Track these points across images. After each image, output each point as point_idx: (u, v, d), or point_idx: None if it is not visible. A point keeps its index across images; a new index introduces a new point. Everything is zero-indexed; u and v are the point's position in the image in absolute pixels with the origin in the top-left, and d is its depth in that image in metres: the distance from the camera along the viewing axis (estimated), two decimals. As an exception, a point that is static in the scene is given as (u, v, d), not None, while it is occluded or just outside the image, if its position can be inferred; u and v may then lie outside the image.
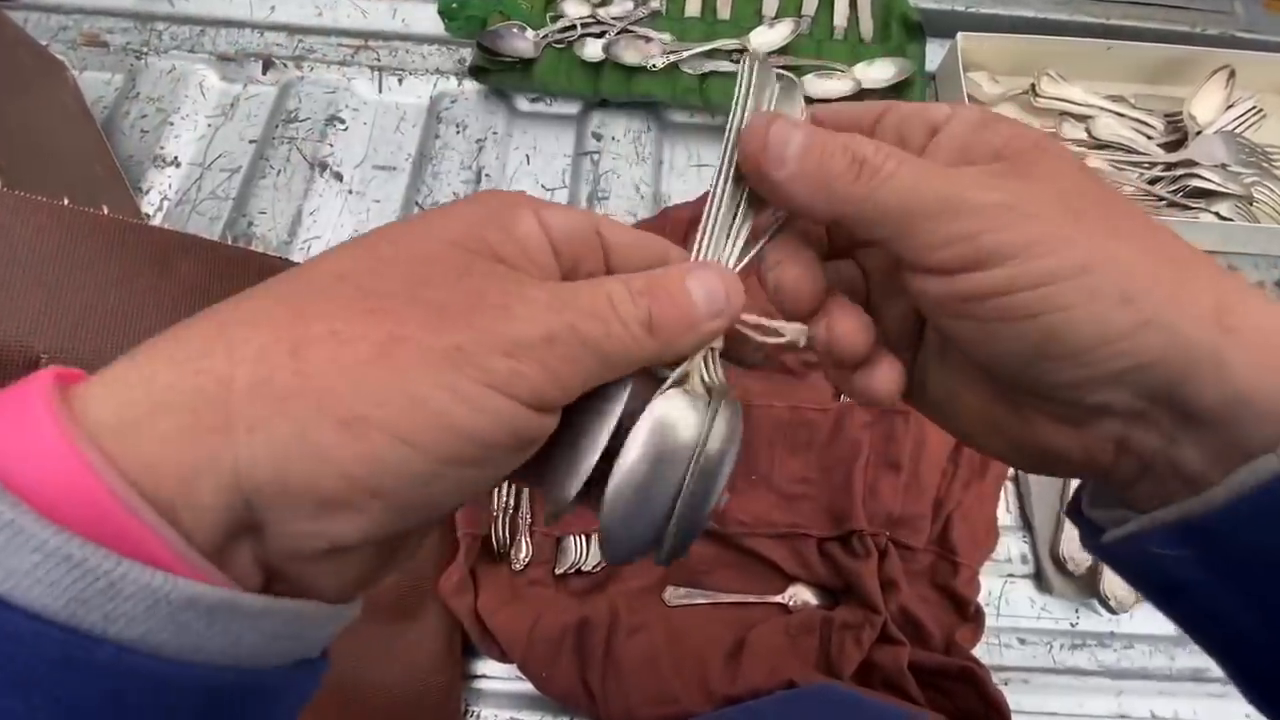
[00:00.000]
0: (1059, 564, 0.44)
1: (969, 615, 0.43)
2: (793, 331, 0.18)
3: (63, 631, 0.10)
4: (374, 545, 0.15)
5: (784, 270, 0.19)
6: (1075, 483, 0.47)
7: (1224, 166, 0.54)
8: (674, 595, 0.43)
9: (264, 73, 0.58)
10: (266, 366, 0.12)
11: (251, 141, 0.56)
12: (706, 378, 0.17)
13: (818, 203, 0.17)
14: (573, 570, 0.43)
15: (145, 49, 0.59)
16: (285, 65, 0.59)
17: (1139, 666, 0.43)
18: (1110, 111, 0.56)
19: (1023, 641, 0.44)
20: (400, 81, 0.59)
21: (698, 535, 0.17)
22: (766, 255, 0.19)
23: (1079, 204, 0.16)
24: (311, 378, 0.13)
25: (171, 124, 0.56)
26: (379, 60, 0.59)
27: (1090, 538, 0.19)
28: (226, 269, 0.35)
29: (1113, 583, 0.43)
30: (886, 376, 0.19)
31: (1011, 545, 0.46)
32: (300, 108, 0.57)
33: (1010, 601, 0.45)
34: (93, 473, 0.11)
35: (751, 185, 0.19)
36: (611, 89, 0.57)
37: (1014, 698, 0.40)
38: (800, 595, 0.44)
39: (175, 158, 0.55)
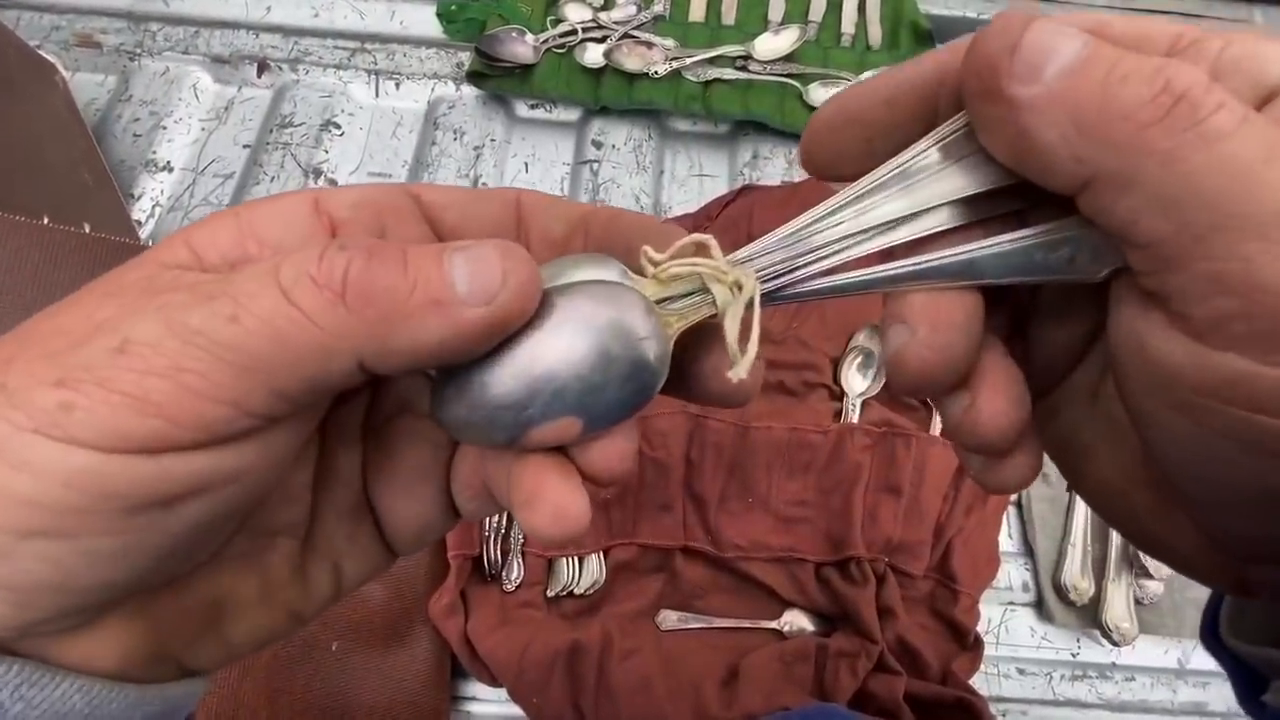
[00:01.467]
0: (1061, 593, 0.44)
1: (968, 644, 0.42)
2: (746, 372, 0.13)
3: None
4: (118, 621, 0.12)
5: (918, 344, 0.12)
6: (1081, 512, 0.46)
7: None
8: (667, 620, 0.43)
9: (259, 75, 0.57)
10: None
11: (246, 146, 0.55)
12: (674, 314, 0.13)
13: (1072, 148, 0.10)
14: (565, 593, 0.42)
15: (139, 50, 0.58)
16: (280, 68, 0.57)
17: (1140, 699, 0.43)
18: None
19: (1022, 672, 0.43)
20: (397, 86, 0.58)
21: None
22: (902, 306, 0.13)
23: None
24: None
25: (164, 128, 0.55)
26: (376, 64, 0.58)
27: (1241, 687, 0.15)
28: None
29: (1116, 613, 0.42)
30: (1021, 469, 0.14)
31: (1013, 573, 0.45)
32: (295, 112, 0.56)
33: (1010, 630, 0.44)
34: None
35: (970, 106, 0.12)
36: (612, 96, 0.55)
37: (1012, 730, 0.40)
38: (796, 621, 0.43)
39: (168, 162, 0.54)
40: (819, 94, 0.55)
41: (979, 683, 0.41)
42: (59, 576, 0.11)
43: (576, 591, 0.42)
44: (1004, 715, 0.41)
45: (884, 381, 0.47)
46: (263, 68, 0.57)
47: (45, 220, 0.30)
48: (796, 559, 0.43)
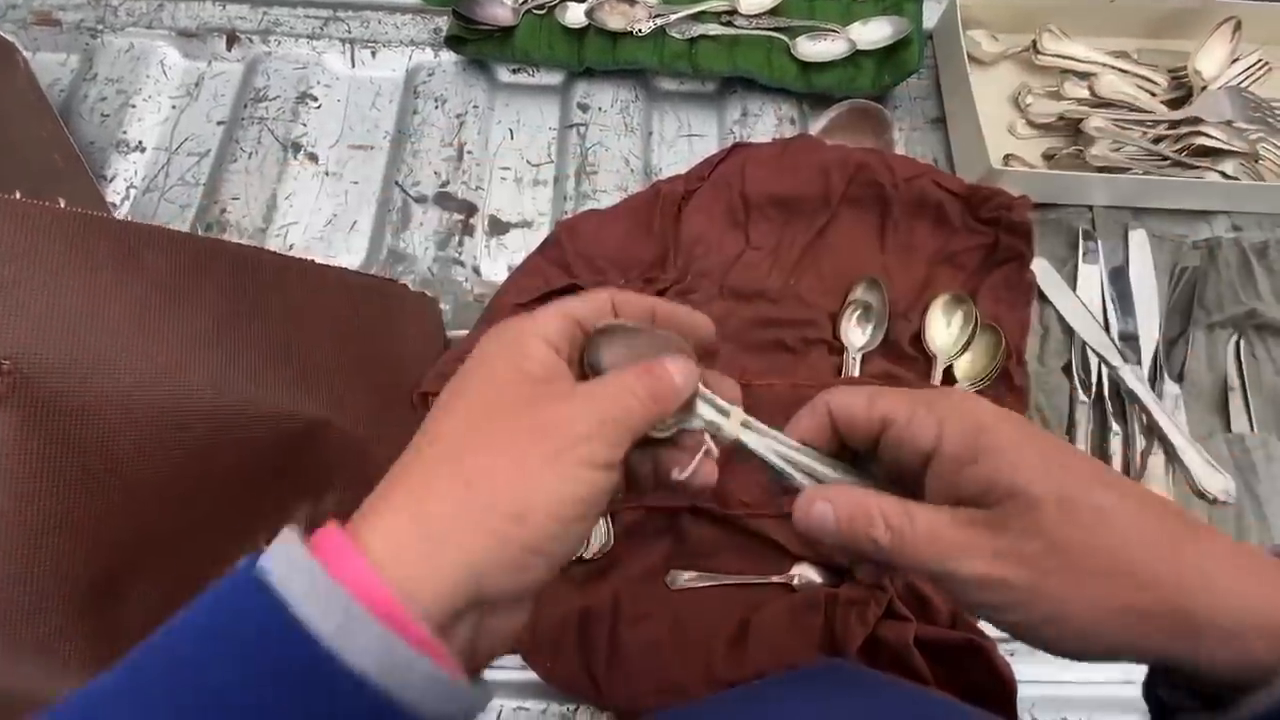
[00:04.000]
0: (1064, 534, 0.44)
1: (974, 589, 0.42)
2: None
3: (374, 692, 0.16)
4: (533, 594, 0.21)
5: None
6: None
7: (1229, 123, 0.52)
8: (678, 579, 0.43)
9: (229, 48, 0.55)
10: (454, 500, 0.19)
11: (220, 123, 0.53)
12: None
13: (849, 544, 0.23)
14: (574, 558, 0.42)
15: (101, 26, 0.55)
16: (251, 40, 0.55)
17: (1143, 633, 0.43)
18: (1113, 68, 0.55)
19: (1028, 612, 0.44)
20: (373, 54, 0.56)
21: None
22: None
23: (1057, 559, 0.20)
24: (483, 496, 0.19)
25: (133, 106, 0.53)
26: (350, 32, 0.56)
27: None
28: (196, 261, 0.33)
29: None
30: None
31: (1016, 517, 0.46)
32: (269, 85, 0.54)
33: (1015, 573, 0.45)
34: (393, 597, 0.17)
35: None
36: (596, 57, 0.54)
37: (1021, 668, 0.40)
38: (805, 574, 0.43)
39: (139, 142, 0.52)
40: (806, 47, 0.54)
41: (987, 625, 0.42)
42: (574, 543, 0.21)
43: (585, 556, 0.42)
44: (1013, 654, 0.42)
45: (883, 334, 0.47)
46: (232, 40, 0.55)
47: (17, 194, 0.29)
48: (803, 514, 0.43)
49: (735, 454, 0.24)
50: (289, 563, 0.17)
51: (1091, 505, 0.20)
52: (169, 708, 0.16)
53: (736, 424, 0.24)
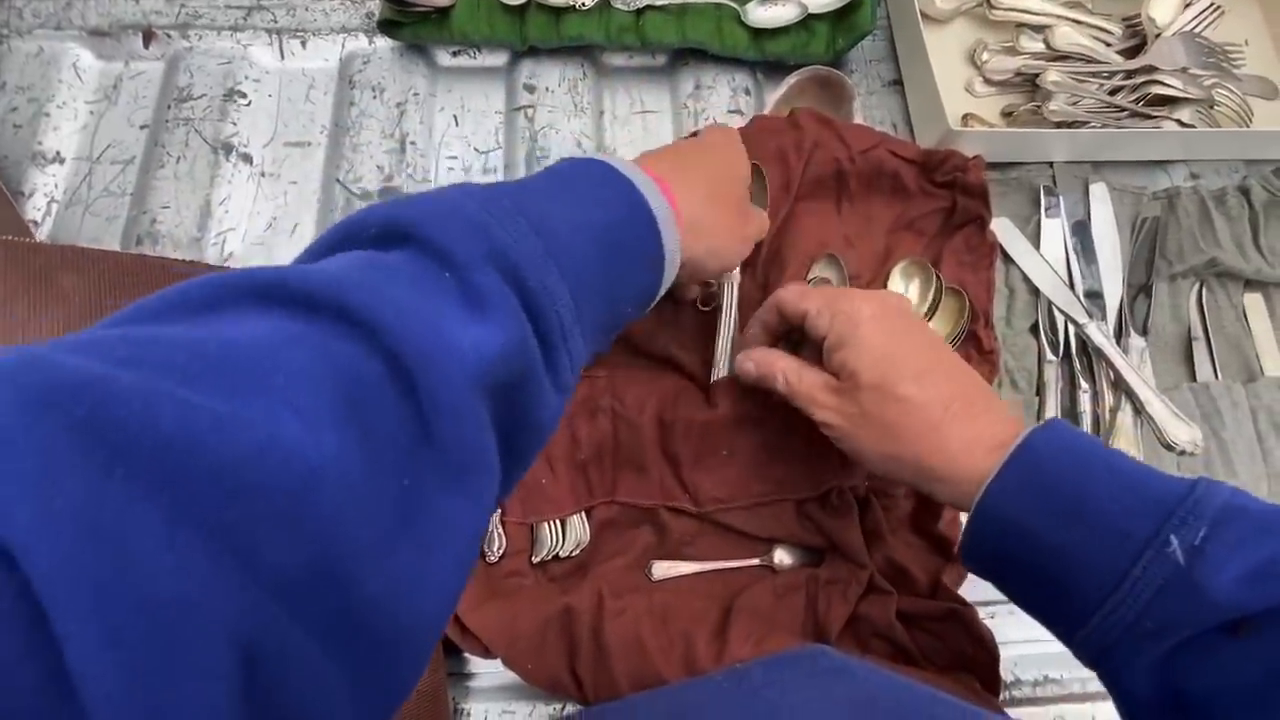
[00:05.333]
0: (1038, 495, 0.44)
1: (953, 556, 0.42)
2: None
3: (661, 261, 0.31)
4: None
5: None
6: (1050, 415, 0.46)
7: (1185, 70, 0.52)
8: (659, 569, 0.42)
9: (146, 46, 0.52)
10: (700, 223, 0.33)
11: (143, 127, 0.50)
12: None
13: (763, 385, 0.38)
14: (550, 557, 0.42)
15: (6, 30, 0.52)
16: (169, 35, 0.52)
17: (1119, 585, 0.44)
18: (1068, 19, 0.54)
19: (1006, 574, 0.44)
20: (304, 44, 0.53)
21: None
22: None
23: (863, 421, 0.34)
24: (710, 235, 0.34)
25: (48, 115, 0.50)
26: (276, 21, 0.53)
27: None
28: (119, 279, 0.32)
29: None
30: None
31: (990, 481, 0.46)
32: (193, 83, 0.51)
33: (992, 537, 0.45)
34: (679, 237, 0.32)
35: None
36: (539, 34, 0.52)
37: (1002, 630, 0.41)
38: (785, 556, 0.43)
39: (58, 153, 0.49)
40: (757, 13, 0.52)
41: (967, 590, 0.42)
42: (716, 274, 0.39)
43: (562, 554, 0.42)
44: (993, 617, 0.42)
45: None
46: (149, 37, 0.52)
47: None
48: (777, 500, 0.42)
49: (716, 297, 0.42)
50: (654, 195, 0.30)
51: (895, 394, 0.32)
52: (586, 203, 0.28)
53: (733, 283, 0.42)
